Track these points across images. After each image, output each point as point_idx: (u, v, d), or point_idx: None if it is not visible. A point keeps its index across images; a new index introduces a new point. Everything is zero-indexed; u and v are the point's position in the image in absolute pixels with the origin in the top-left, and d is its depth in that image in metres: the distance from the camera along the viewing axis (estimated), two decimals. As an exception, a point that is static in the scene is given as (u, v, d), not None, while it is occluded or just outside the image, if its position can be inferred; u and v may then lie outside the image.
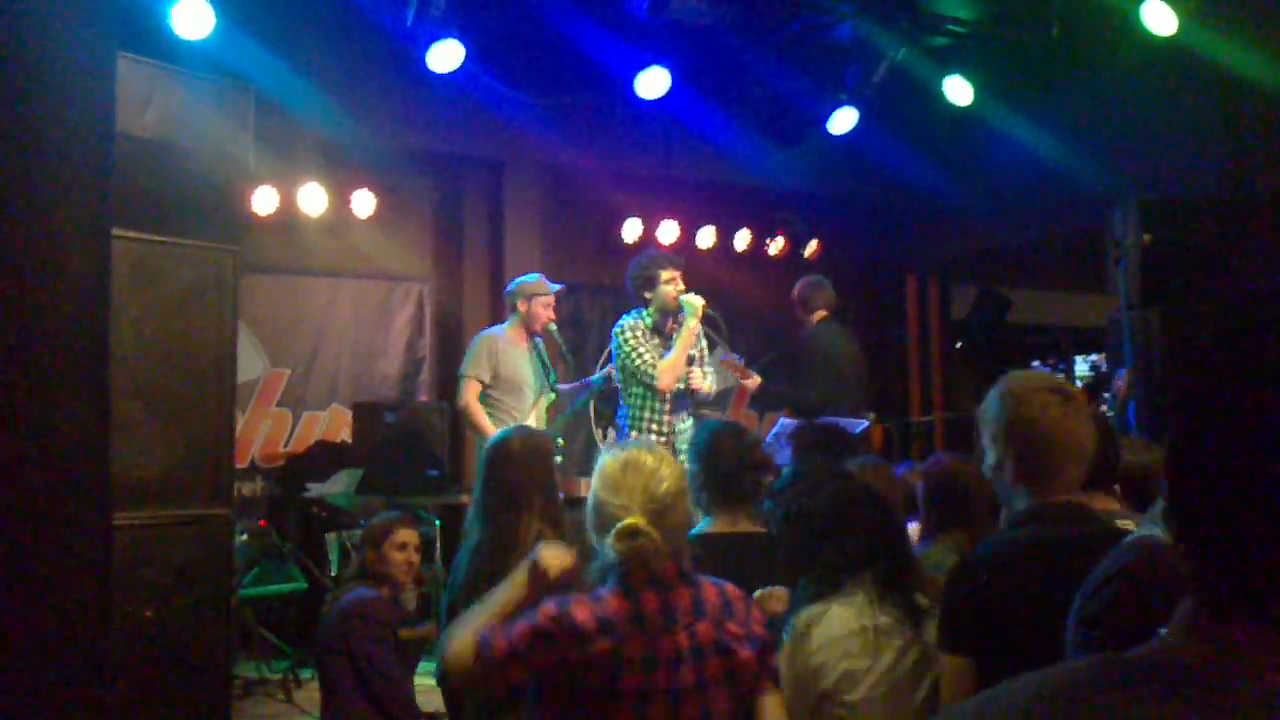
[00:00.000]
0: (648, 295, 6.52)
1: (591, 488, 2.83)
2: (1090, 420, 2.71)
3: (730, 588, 2.80)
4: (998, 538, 2.91)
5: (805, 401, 6.90)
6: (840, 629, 2.95)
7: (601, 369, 7.00)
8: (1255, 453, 0.92)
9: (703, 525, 3.85)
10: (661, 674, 2.62)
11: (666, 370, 6.35)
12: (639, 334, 6.45)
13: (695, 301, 6.41)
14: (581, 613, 2.63)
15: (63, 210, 2.15)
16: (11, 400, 2.15)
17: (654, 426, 6.36)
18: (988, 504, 3.82)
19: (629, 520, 2.66)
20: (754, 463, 3.87)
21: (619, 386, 6.65)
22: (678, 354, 6.39)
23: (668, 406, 6.43)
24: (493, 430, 6.43)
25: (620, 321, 6.59)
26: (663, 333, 6.53)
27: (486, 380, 6.64)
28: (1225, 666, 0.92)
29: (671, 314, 6.52)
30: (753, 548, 3.74)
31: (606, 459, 2.84)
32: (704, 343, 6.76)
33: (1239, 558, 0.93)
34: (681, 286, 6.50)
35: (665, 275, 6.49)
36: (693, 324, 6.41)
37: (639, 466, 2.76)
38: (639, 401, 6.46)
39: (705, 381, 6.58)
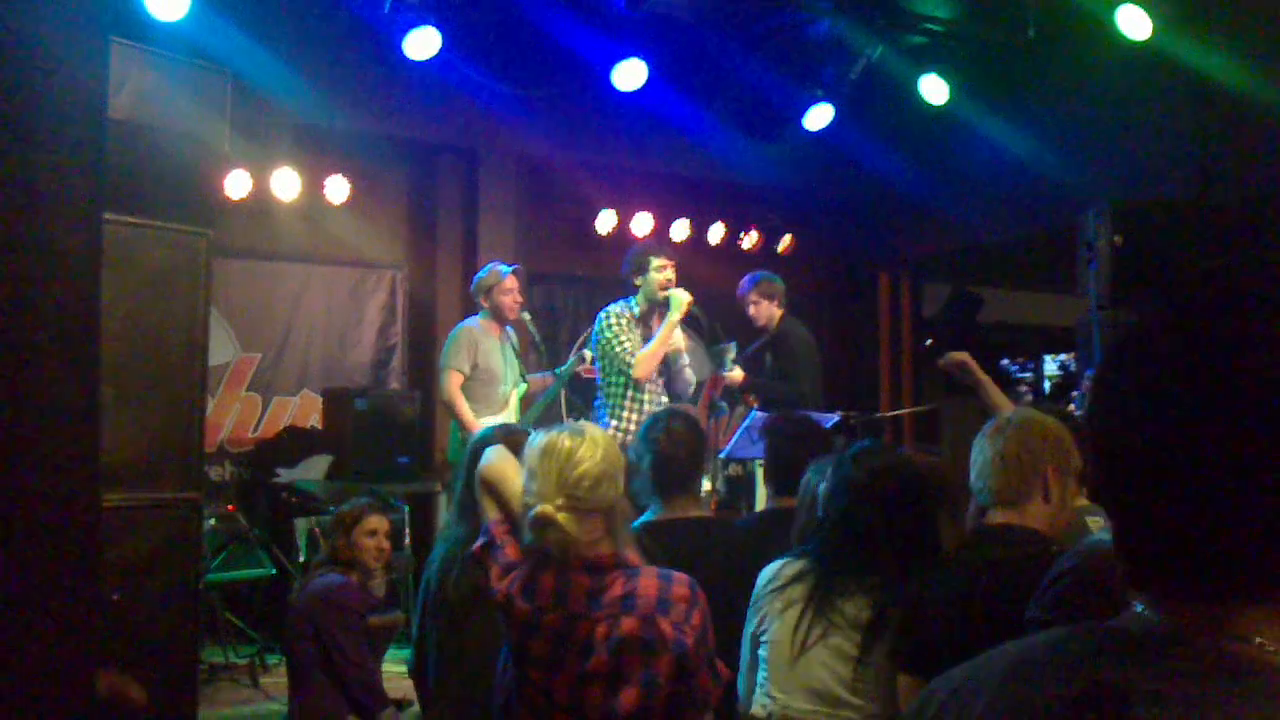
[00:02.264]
0: (638, 281, 6.52)
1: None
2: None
3: (678, 586, 2.71)
4: (947, 560, 3.05)
5: (796, 397, 6.85)
6: (770, 575, 3.26)
7: (572, 355, 7.01)
8: (1168, 429, 1.00)
9: (649, 513, 3.87)
10: (571, 654, 2.61)
11: (644, 360, 6.34)
12: (623, 322, 6.45)
13: (681, 297, 6.38)
14: (515, 579, 2.69)
15: (56, 192, 2.14)
16: (2, 378, 2.14)
17: (633, 417, 6.36)
18: (957, 496, 3.88)
19: (540, 509, 2.64)
20: (698, 450, 3.89)
21: (596, 376, 6.66)
22: (656, 345, 6.38)
23: (647, 396, 6.44)
24: (476, 423, 6.44)
25: (607, 308, 6.58)
26: (648, 324, 6.54)
27: (467, 372, 6.69)
28: (1190, 634, 0.99)
29: (658, 305, 6.50)
30: (698, 534, 3.76)
31: (530, 444, 2.79)
32: (680, 341, 6.79)
33: (1156, 533, 1.02)
34: (671, 276, 6.50)
35: (656, 263, 6.48)
36: (675, 318, 6.38)
37: (554, 452, 2.70)
38: (619, 391, 6.44)
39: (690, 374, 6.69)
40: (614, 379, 6.44)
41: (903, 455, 3.60)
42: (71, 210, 2.12)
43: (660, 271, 6.46)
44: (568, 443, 2.72)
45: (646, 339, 6.47)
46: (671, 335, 6.45)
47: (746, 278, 7.36)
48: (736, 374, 6.78)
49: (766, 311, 7.24)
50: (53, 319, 2.12)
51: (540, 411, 6.92)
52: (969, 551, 2.93)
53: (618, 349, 6.36)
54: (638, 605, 2.63)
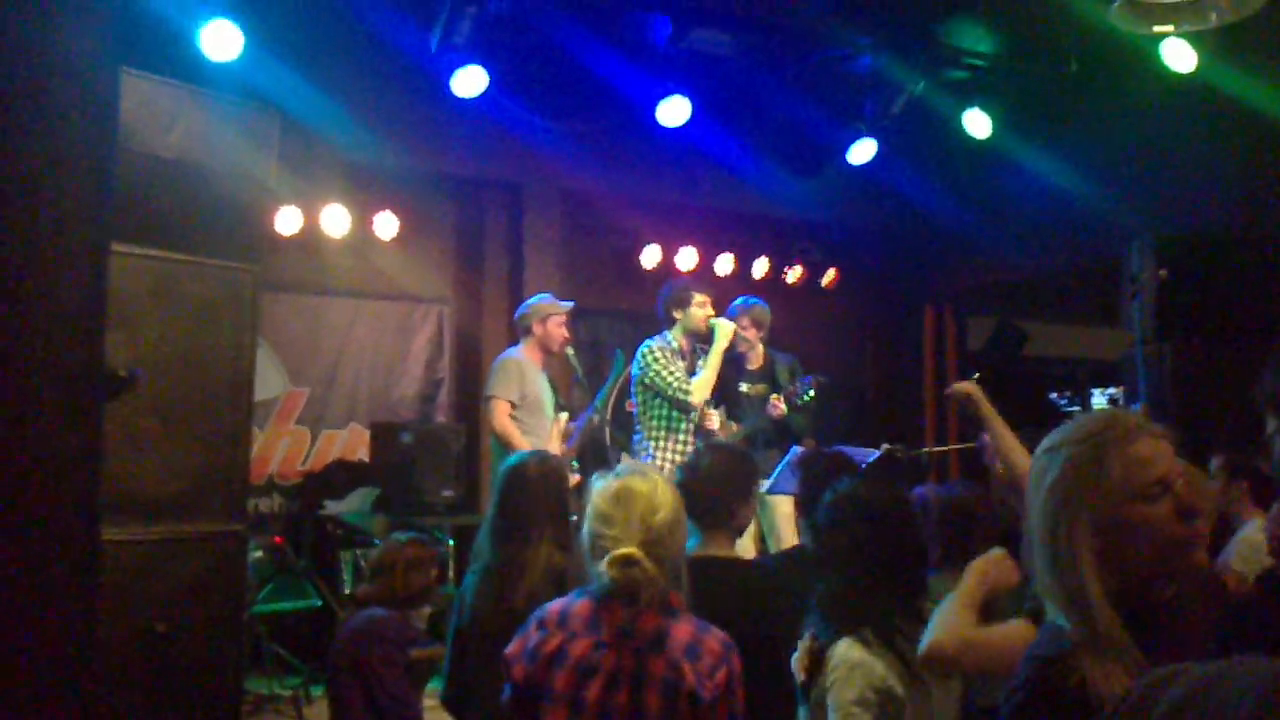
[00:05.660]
0: (677, 315, 6.75)
1: (585, 517, 2.80)
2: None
3: (711, 639, 2.71)
4: None
5: (796, 434, 6.94)
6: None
7: (603, 393, 7.15)
8: None
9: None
10: (595, 685, 2.61)
11: (700, 386, 6.60)
12: (666, 355, 6.65)
13: (727, 326, 6.71)
14: (553, 607, 2.74)
15: (56, 228, 2.17)
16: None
17: (678, 449, 6.45)
18: (996, 536, 3.79)
19: (624, 550, 2.65)
20: (734, 486, 3.77)
21: (635, 411, 6.73)
22: (709, 372, 6.63)
23: (692, 429, 6.58)
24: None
25: (647, 343, 6.77)
26: (685, 356, 6.71)
27: (515, 401, 6.64)
28: None
29: (698, 337, 6.77)
30: (728, 574, 3.69)
31: (598, 490, 2.79)
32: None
33: None
34: (711, 312, 6.79)
35: (699, 298, 6.78)
36: (722, 345, 6.66)
37: (632, 497, 2.73)
38: (663, 424, 6.58)
39: (715, 418, 6.76)
40: (658, 413, 6.57)
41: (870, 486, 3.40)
42: (73, 248, 2.15)
43: (702, 308, 6.78)
44: (643, 486, 2.75)
45: (690, 370, 6.65)
46: (719, 361, 6.68)
47: (740, 300, 7.31)
48: (781, 408, 6.81)
49: (750, 338, 7.19)
50: (49, 358, 2.14)
51: (582, 444, 6.97)
52: None
53: (669, 379, 6.54)
54: (667, 646, 2.65)
